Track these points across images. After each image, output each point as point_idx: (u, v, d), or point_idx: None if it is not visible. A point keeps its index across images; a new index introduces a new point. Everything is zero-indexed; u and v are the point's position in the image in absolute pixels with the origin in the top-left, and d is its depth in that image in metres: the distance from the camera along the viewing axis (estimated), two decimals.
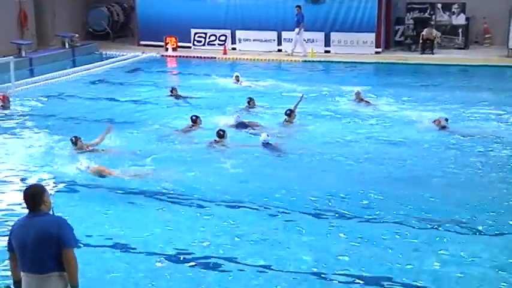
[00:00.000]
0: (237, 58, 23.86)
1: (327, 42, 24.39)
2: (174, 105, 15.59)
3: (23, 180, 9.91)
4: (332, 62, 22.93)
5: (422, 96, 16.64)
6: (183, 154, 11.21)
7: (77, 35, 24.92)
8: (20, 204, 8.71)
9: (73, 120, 13.96)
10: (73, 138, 11.16)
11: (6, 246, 5.33)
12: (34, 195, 5.18)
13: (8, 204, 8.96)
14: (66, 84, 18.68)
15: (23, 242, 5.11)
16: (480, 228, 8.10)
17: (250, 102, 14.80)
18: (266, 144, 11.46)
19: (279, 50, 24.67)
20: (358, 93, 15.63)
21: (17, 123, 13.72)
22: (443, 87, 18.13)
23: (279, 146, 11.53)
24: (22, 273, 5.20)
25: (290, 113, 13.10)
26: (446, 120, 12.87)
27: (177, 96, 16.05)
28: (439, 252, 7.43)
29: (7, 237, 5.34)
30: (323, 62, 22.95)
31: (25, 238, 5.11)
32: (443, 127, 12.74)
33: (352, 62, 22.61)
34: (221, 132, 11.60)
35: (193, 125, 12.81)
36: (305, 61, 23.00)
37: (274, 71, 21.63)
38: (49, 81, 18.79)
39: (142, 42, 26.31)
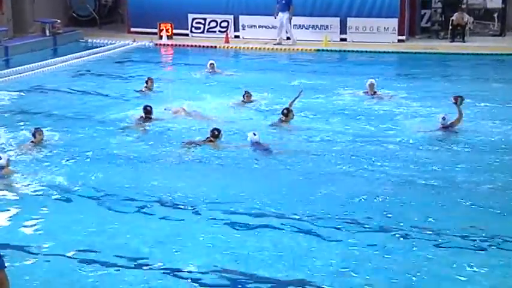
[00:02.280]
0: (240, 47, 23.92)
1: (343, 29, 24.38)
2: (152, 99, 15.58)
3: None
4: (348, 51, 22.96)
5: (448, 89, 16.59)
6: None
7: (58, 21, 24.99)
8: None
9: (52, 117, 14.02)
10: (32, 130, 11.68)
11: None
12: None
13: None
14: (47, 76, 18.76)
15: None
16: None
17: (246, 95, 14.95)
18: (255, 144, 11.53)
19: (288, 38, 24.67)
20: (371, 85, 15.67)
21: None
22: (474, 80, 18.14)
23: (270, 147, 11.61)
24: None
25: (287, 113, 13.09)
26: (444, 119, 12.65)
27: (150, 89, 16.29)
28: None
29: None
30: (338, 51, 23.00)
31: None
32: (446, 126, 12.59)
33: (371, 52, 22.63)
34: (216, 132, 11.75)
35: (146, 118, 13.19)
36: (318, 50, 23.02)
37: (282, 62, 21.72)
38: (27, 73, 18.86)
39: (133, 29, 26.36)
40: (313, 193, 9.72)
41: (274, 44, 23.62)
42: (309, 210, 9.03)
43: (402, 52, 22.72)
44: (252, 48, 23.69)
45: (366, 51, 22.62)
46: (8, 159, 10.34)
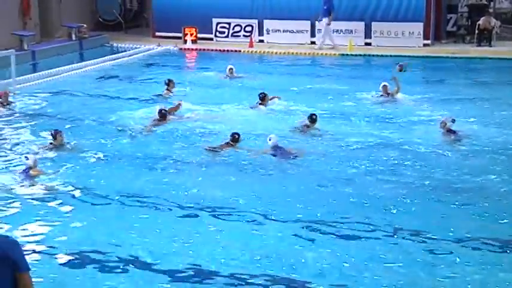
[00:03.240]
0: (264, 51, 24.07)
1: (368, 34, 24.43)
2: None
3: (15, 183, 10.24)
4: (373, 55, 23.00)
5: (474, 94, 16.59)
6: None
7: (85, 26, 25.38)
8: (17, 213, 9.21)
9: (75, 120, 14.24)
10: (53, 132, 11.91)
11: None
12: None
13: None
14: (72, 80, 19.07)
15: None
16: None
17: (262, 97, 15.05)
18: (276, 148, 11.54)
19: (313, 43, 24.78)
20: (385, 87, 15.68)
21: (15, 123, 14.04)
22: (500, 85, 18.06)
23: (291, 151, 11.67)
24: None
25: (316, 119, 13.10)
26: (453, 121, 12.50)
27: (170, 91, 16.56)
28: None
29: None
30: (362, 55, 23.04)
31: None
32: (450, 131, 12.43)
33: (396, 56, 22.51)
34: (236, 136, 11.91)
35: (160, 120, 13.49)
36: (342, 55, 23.07)
37: (306, 66, 21.80)
38: (53, 77, 19.17)
39: (158, 34, 26.66)
40: (337, 197, 9.81)
41: (316, 49, 23.67)
42: (335, 214, 9.12)
43: (427, 56, 22.68)
44: (276, 52, 23.81)
45: (391, 56, 22.59)
46: (36, 160, 10.58)
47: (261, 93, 15.11)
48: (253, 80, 18.29)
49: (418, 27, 23.92)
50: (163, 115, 13.57)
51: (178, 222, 8.98)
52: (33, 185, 10.16)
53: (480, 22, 23.72)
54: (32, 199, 9.76)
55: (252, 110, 14.85)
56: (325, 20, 23.59)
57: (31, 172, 10.36)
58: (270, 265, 7.64)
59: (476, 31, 23.85)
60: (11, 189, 10.05)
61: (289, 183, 10.41)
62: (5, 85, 17.08)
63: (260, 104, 15.02)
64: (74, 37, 24.73)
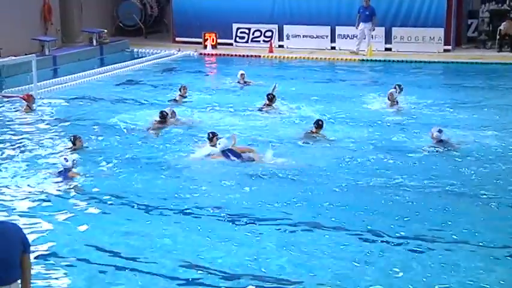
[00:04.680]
0: (284, 57, 24.23)
1: (388, 39, 24.50)
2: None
3: (38, 186, 10.47)
4: (393, 61, 23.02)
5: (495, 100, 16.56)
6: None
7: (105, 31, 25.74)
8: (42, 212, 9.43)
9: (94, 126, 14.42)
10: (72, 138, 12.22)
11: None
12: None
13: (24, 212, 9.52)
14: (92, 85, 19.34)
15: None
16: None
17: (272, 99, 15.37)
18: (226, 152, 11.60)
19: (333, 48, 24.88)
20: (391, 94, 15.77)
21: (36, 128, 14.28)
22: None
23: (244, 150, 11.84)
24: None
25: (322, 125, 13.16)
26: (440, 131, 12.47)
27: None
28: None
29: None
30: (382, 61, 23.09)
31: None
32: (441, 141, 12.40)
33: (416, 62, 22.65)
34: (211, 135, 12.10)
35: (161, 121, 13.85)
36: (362, 60, 23.15)
37: (324, 72, 21.92)
38: (74, 82, 19.50)
39: (178, 39, 26.96)
40: (341, 203, 9.91)
41: (351, 53, 23.75)
42: (337, 219, 9.26)
43: (448, 62, 22.67)
44: (295, 57, 23.95)
45: (411, 61, 22.64)
46: (74, 161, 10.83)
47: (269, 95, 15.47)
48: (265, 85, 18.30)
49: (439, 32, 23.94)
50: (164, 116, 13.90)
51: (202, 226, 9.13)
52: (69, 186, 10.40)
53: (501, 27, 23.68)
54: (66, 199, 10.04)
55: (262, 115, 15.07)
56: (362, 25, 23.52)
57: (69, 174, 10.60)
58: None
59: (498, 36, 23.80)
60: (44, 190, 10.30)
61: (296, 189, 10.48)
62: (27, 90, 17.41)
63: (268, 105, 15.28)
64: (94, 42, 25.08)
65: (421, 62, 22.61)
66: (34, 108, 15.65)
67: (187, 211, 9.59)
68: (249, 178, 10.94)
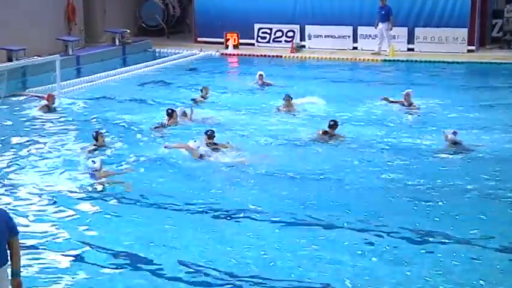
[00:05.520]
0: (306, 57, 24.42)
1: (411, 39, 24.57)
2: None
3: (55, 185, 10.75)
4: (415, 61, 23.08)
5: (510, 102, 16.62)
6: None
7: (128, 31, 26.14)
8: (57, 211, 9.72)
9: (116, 125, 14.72)
10: (94, 133, 12.53)
11: None
12: None
13: (40, 211, 9.79)
14: (115, 85, 19.70)
15: None
16: None
17: (286, 99, 15.64)
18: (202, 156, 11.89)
19: (355, 48, 25.01)
20: (407, 95, 15.85)
21: (57, 127, 14.58)
22: None
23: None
24: None
25: (334, 125, 13.27)
26: (455, 133, 12.53)
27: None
28: None
29: None
30: (404, 61, 23.17)
31: None
32: (455, 143, 12.47)
33: (439, 62, 22.68)
34: (209, 132, 12.46)
35: (169, 119, 14.16)
36: (384, 60, 23.25)
37: (345, 72, 22.13)
38: (97, 82, 19.88)
39: (199, 39, 27.29)
40: (355, 202, 10.07)
41: (372, 54, 23.89)
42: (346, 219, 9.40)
43: (471, 63, 22.67)
44: (317, 57, 24.11)
45: (434, 62, 22.68)
46: (101, 162, 11.10)
47: (286, 95, 15.71)
48: (283, 86, 18.58)
49: (463, 33, 23.94)
50: (169, 114, 14.27)
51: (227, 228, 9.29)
52: (95, 187, 10.66)
53: None
54: (91, 199, 10.27)
55: (279, 116, 15.29)
56: (381, 25, 23.64)
57: (98, 174, 10.84)
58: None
59: None
60: (68, 190, 10.56)
61: (309, 189, 10.65)
62: (50, 90, 17.77)
63: (285, 106, 15.54)
64: (117, 42, 25.47)
65: (444, 62, 22.63)
66: (53, 108, 15.85)
67: (208, 212, 9.75)
68: (265, 179, 11.12)
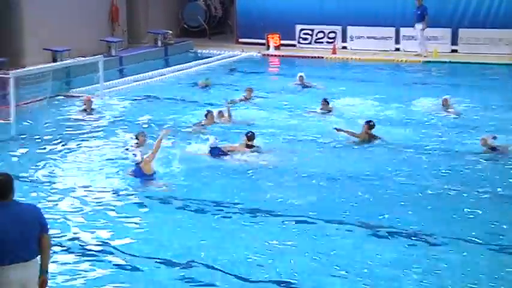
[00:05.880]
0: (347, 58, 24.45)
1: (454, 40, 24.40)
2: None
3: (92, 187, 10.98)
4: (459, 63, 22.91)
5: None
6: None
7: (170, 32, 26.49)
8: (99, 210, 9.98)
9: (158, 125, 14.82)
10: (135, 133, 12.86)
11: None
12: (9, 183, 5.97)
13: (78, 211, 10.01)
14: (157, 85, 20.00)
15: (9, 232, 5.79)
16: None
17: (323, 103, 15.76)
18: (213, 149, 12.19)
19: (397, 49, 24.92)
20: (445, 100, 15.85)
21: (98, 127, 14.88)
22: None
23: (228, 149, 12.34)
24: (4, 266, 5.80)
25: (373, 125, 13.34)
26: (494, 138, 12.48)
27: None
28: None
29: None
30: (448, 63, 23.01)
31: (12, 227, 5.82)
32: (493, 148, 12.39)
33: (483, 64, 22.45)
34: (249, 134, 12.71)
35: (206, 120, 14.55)
36: (427, 62, 23.12)
37: (387, 74, 22.09)
38: (139, 83, 20.23)
39: (241, 40, 27.52)
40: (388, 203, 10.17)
41: (416, 54, 23.85)
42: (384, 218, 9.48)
43: None
44: (359, 59, 24.10)
45: (477, 63, 22.45)
46: (142, 154, 11.32)
47: (323, 100, 15.84)
48: (323, 88, 18.69)
49: (508, 34, 23.65)
50: (206, 115, 14.62)
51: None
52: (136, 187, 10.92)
53: None
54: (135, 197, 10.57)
55: (317, 118, 15.44)
56: (418, 26, 23.64)
57: (141, 166, 11.09)
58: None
59: None
60: (116, 188, 10.87)
61: (343, 190, 10.78)
62: (93, 90, 18.17)
63: (324, 108, 15.68)
64: (159, 43, 25.84)
65: (488, 64, 22.40)
66: (91, 110, 16.06)
67: (249, 213, 9.89)
68: (304, 181, 11.22)
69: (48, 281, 6.13)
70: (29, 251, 5.91)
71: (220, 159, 12.23)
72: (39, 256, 6.01)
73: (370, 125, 13.30)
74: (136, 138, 12.79)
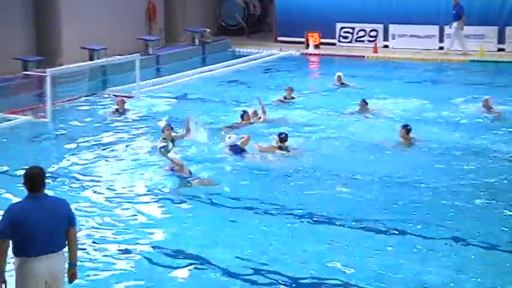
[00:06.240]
0: (389, 57, 24.07)
1: (501, 39, 23.84)
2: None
3: (127, 187, 10.93)
4: (506, 62, 22.38)
5: None
6: None
7: (208, 30, 26.39)
8: (127, 209, 9.90)
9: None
10: (162, 128, 12.73)
11: None
12: (42, 176, 6.14)
13: (110, 209, 9.99)
14: (194, 84, 19.92)
15: (40, 224, 5.96)
16: None
17: (361, 104, 15.53)
18: (233, 147, 12.06)
19: (441, 48, 24.45)
20: (486, 101, 15.47)
21: (132, 127, 14.80)
22: None
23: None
24: (30, 258, 5.96)
25: (410, 129, 13.03)
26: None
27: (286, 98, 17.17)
28: None
29: None
30: (494, 62, 22.52)
31: (41, 220, 5.98)
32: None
33: None
34: (283, 136, 12.48)
35: (242, 120, 14.45)
36: (472, 61, 22.63)
37: (431, 72, 21.73)
38: (176, 82, 20.16)
39: (280, 38, 27.29)
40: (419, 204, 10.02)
41: (459, 55, 23.49)
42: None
43: None
44: (401, 58, 23.72)
45: None
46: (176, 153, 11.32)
47: (361, 101, 15.61)
48: (362, 88, 18.41)
49: None
50: (242, 116, 14.48)
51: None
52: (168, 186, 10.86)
53: None
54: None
55: (354, 118, 15.21)
56: (454, 25, 23.21)
57: (177, 169, 11.03)
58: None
59: None
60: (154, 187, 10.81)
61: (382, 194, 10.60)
62: (130, 89, 18.14)
63: (359, 109, 15.47)
64: (197, 42, 25.77)
65: None
66: (123, 111, 15.93)
67: (282, 214, 9.78)
68: (339, 182, 11.07)
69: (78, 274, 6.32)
70: (55, 244, 6.08)
71: (246, 158, 12.10)
72: (64, 249, 6.19)
73: (407, 129, 13.02)
74: (162, 131, 12.71)
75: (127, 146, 13.27)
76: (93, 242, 8.71)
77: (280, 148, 12.34)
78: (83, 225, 9.10)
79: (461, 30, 23.27)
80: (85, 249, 8.38)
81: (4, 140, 13.91)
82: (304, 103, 16.96)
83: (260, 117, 14.76)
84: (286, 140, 12.39)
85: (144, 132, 14.33)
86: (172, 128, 12.72)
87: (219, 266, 8.05)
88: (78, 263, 6.40)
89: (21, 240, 5.95)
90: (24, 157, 12.11)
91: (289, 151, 12.31)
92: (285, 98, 17.08)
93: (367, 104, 15.65)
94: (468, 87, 18.81)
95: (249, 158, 12.11)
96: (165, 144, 11.74)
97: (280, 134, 12.56)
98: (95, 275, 7.87)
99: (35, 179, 6.08)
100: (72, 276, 6.24)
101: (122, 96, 16.73)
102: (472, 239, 8.73)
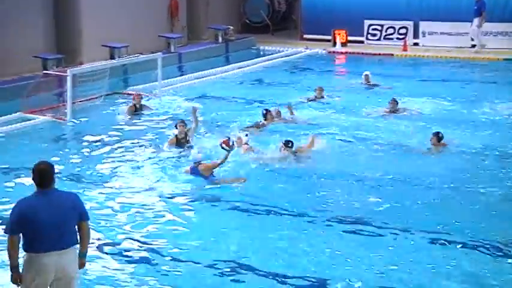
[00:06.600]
0: (419, 55, 23.62)
1: None
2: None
3: (144, 187, 10.76)
4: None
5: None
6: None
7: (231, 28, 26.07)
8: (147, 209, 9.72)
9: (213, 124, 14.60)
10: (176, 123, 12.75)
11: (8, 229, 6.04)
12: (51, 172, 6.11)
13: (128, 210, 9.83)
14: (217, 83, 19.65)
15: (48, 220, 5.97)
16: None
17: (391, 103, 15.19)
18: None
19: (473, 46, 23.89)
20: None
21: (152, 128, 14.55)
22: None
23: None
24: (39, 254, 5.95)
25: (442, 137, 12.61)
26: None
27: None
28: None
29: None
30: None
31: (51, 216, 5.98)
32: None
33: None
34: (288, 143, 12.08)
35: (265, 120, 14.22)
36: (507, 59, 22.11)
37: (463, 71, 21.24)
38: (198, 80, 19.87)
39: (306, 36, 26.90)
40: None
41: (473, 52, 23.16)
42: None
43: None
44: (432, 56, 23.25)
45: None
46: (200, 154, 11.16)
47: (392, 99, 15.31)
48: (390, 87, 18.05)
49: None
50: (264, 115, 14.31)
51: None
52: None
53: None
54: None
55: (382, 119, 14.89)
56: (475, 21, 22.79)
57: (200, 168, 10.87)
58: None
59: None
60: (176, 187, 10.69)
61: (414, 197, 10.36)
62: (151, 88, 17.88)
63: (389, 109, 15.15)
64: (220, 39, 25.46)
65: None
66: (140, 107, 15.71)
67: (309, 216, 9.63)
68: (367, 184, 10.88)
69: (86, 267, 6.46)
70: (65, 240, 6.08)
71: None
72: (76, 245, 6.20)
73: (438, 136, 12.62)
74: (176, 127, 12.66)
75: (147, 146, 13.04)
76: (112, 245, 8.64)
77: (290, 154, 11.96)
78: (102, 226, 9.09)
79: (480, 27, 22.74)
80: (102, 248, 8.43)
81: (22, 140, 13.71)
82: (332, 103, 16.62)
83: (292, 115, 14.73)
84: (289, 147, 11.96)
85: (165, 132, 14.02)
86: (186, 124, 12.69)
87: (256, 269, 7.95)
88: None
89: (30, 236, 5.98)
90: (43, 158, 11.75)
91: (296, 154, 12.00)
92: (316, 97, 16.79)
93: (397, 103, 15.27)
94: (501, 86, 18.37)
95: (264, 160, 11.83)
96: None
97: (286, 142, 12.11)
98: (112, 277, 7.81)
99: (42, 174, 6.07)
100: (80, 266, 6.31)
101: (136, 94, 16.47)
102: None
